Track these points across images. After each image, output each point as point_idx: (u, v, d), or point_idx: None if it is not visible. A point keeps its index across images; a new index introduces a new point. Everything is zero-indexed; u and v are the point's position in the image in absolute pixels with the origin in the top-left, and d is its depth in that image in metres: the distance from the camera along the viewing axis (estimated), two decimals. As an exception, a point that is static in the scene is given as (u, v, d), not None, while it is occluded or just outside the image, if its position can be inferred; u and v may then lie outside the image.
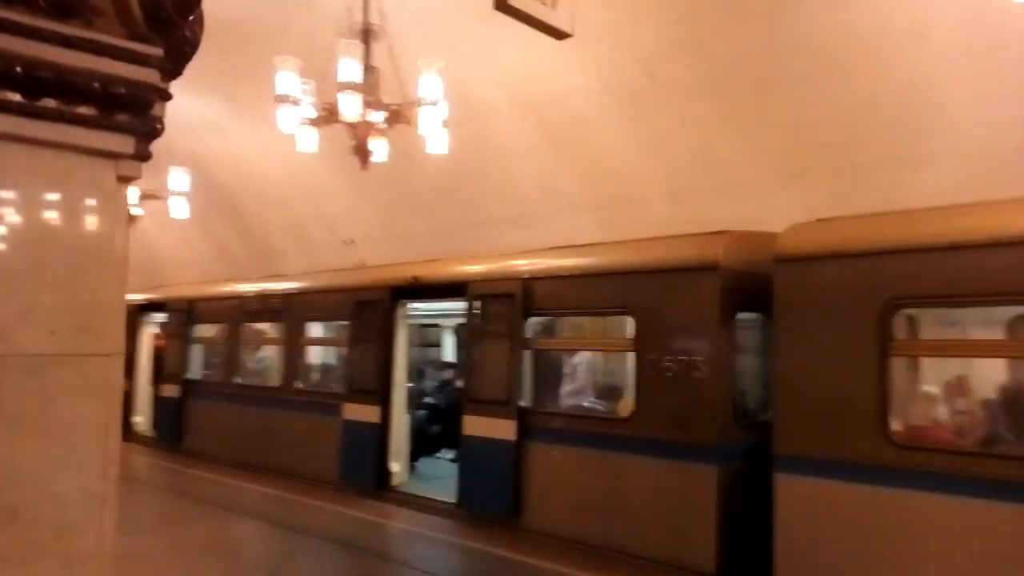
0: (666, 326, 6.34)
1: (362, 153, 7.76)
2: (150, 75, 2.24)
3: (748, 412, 6.68)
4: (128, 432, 13.18)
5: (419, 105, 7.35)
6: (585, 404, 7.42)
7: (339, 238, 14.21)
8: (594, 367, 7.84)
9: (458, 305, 9.21)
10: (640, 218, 9.82)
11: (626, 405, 6.72)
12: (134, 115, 2.26)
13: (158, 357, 13.02)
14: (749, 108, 8.28)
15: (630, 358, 6.57)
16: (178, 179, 11.95)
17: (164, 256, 19.32)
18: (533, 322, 7.43)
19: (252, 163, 14.41)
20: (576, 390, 7.64)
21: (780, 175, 8.41)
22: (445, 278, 8.18)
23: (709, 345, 6.08)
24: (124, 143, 2.27)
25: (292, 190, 14.61)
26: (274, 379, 10.58)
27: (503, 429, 7.16)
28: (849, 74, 7.32)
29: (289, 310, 10.12)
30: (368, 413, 8.61)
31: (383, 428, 8.51)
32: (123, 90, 2.16)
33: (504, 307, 7.33)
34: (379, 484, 8.54)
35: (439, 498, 8.03)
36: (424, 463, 10.11)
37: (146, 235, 19.86)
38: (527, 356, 7.33)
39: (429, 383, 11.58)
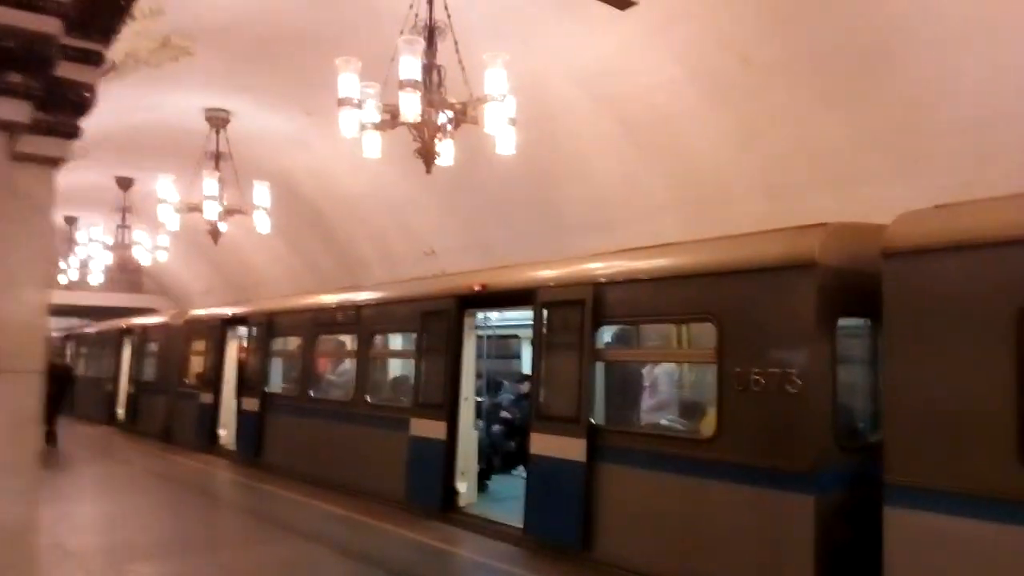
0: (754, 334, 5.54)
1: (427, 155, 7.34)
2: (48, 24, 1.77)
3: (852, 433, 5.77)
4: (213, 444, 13.25)
5: (485, 102, 6.87)
6: (662, 422, 6.66)
7: (420, 249, 13.94)
8: (672, 381, 7.07)
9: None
10: (732, 219, 8.95)
11: (708, 424, 5.93)
12: (28, 75, 1.80)
13: (241, 370, 13.05)
14: (857, 89, 7.33)
15: (712, 371, 5.79)
16: (260, 193, 11.93)
17: (258, 271, 19.70)
18: (605, 331, 6.75)
19: (335, 176, 14.37)
20: (652, 406, 6.89)
21: (895, 164, 7.40)
22: (512, 285, 7.61)
23: (804, 355, 5.24)
24: (16, 110, 1.81)
25: (374, 202, 14.48)
26: (346, 393, 10.28)
27: (572, 449, 6.50)
28: (982, 43, 6.30)
29: (359, 322, 9.81)
30: (434, 429, 8.13)
31: (449, 445, 8.01)
32: (11, 43, 1.70)
33: (573, 315, 6.69)
34: (445, 505, 8.02)
35: (506, 522, 7.43)
36: (498, 481, 9.54)
37: (240, 251, 20.37)
38: (598, 368, 6.64)
39: (505, 396, 11.01)
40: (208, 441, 13.33)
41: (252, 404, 11.98)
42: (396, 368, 10.59)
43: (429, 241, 13.79)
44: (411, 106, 6.76)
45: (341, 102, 6.99)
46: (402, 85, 6.61)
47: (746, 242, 5.89)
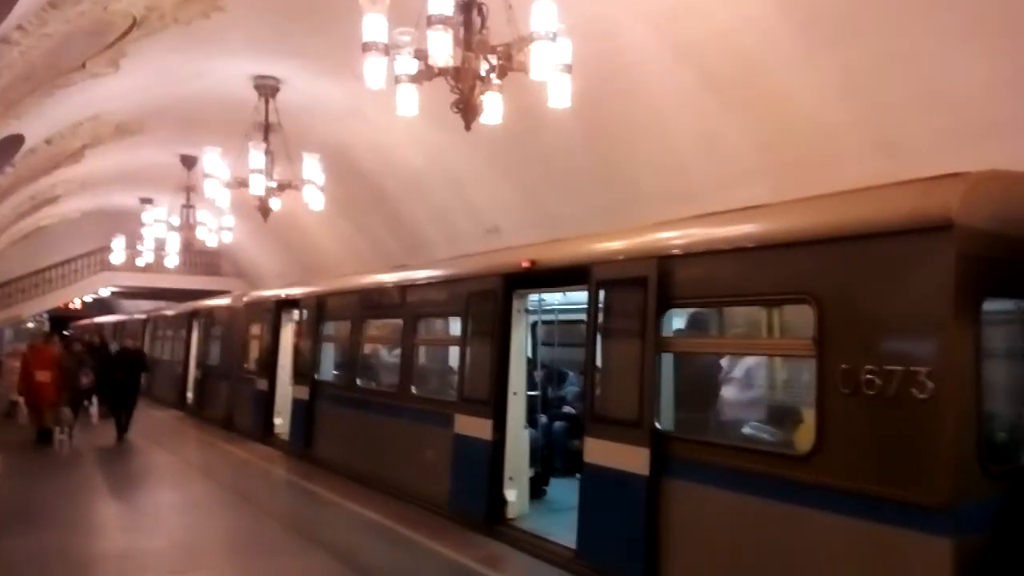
0: (866, 319, 4.21)
1: (467, 109, 6.24)
2: None
3: (1003, 452, 4.36)
4: (269, 434, 12.64)
5: (531, 42, 5.72)
6: (745, 431, 5.36)
7: (483, 226, 12.90)
8: (757, 378, 5.73)
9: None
10: (837, 183, 7.52)
11: (804, 435, 4.62)
12: None
13: (295, 356, 12.35)
14: (997, 14, 5.79)
15: (810, 366, 4.48)
16: (310, 166, 11.12)
17: (326, 252, 19.15)
18: (673, 315, 5.50)
19: (394, 149, 13.49)
20: (732, 410, 5.60)
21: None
22: (564, 261, 6.44)
23: (938, 348, 3.90)
24: None
25: (435, 176, 13.54)
26: (391, 382, 9.36)
27: (633, 459, 5.31)
28: None
29: (404, 305, 8.85)
30: (478, 427, 7.08)
31: (495, 447, 6.93)
32: None
33: (634, 296, 5.48)
34: (491, 515, 6.96)
35: (560, 541, 6.29)
36: (558, 487, 8.40)
37: (308, 232, 19.88)
38: (665, 361, 5.40)
39: (570, 389, 9.84)
40: (264, 430, 12.75)
41: (302, 392, 11.26)
42: (442, 357, 9.61)
43: (492, 217, 12.73)
44: (441, 47, 5.69)
45: (365, 47, 5.99)
46: (431, 22, 5.56)
47: (856, 200, 4.53)
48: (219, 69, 10.94)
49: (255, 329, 14.06)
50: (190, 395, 18.23)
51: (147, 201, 19.33)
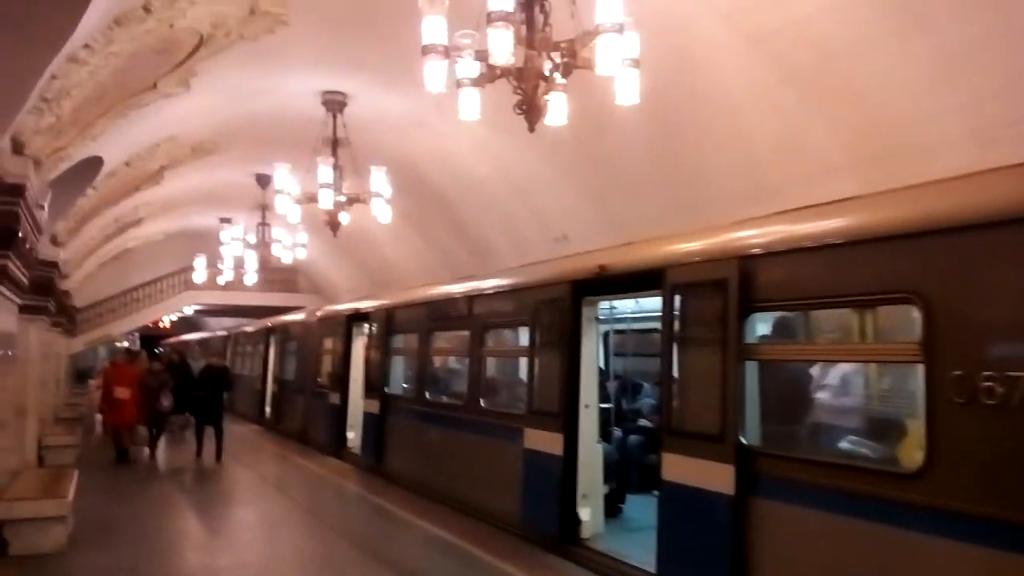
0: (985, 320, 3.72)
1: (530, 109, 5.98)
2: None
3: None
4: (341, 448, 12.61)
5: (596, 35, 5.44)
6: (842, 446, 4.87)
7: (551, 235, 12.61)
8: (854, 388, 5.21)
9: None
10: (928, 175, 6.94)
11: (911, 451, 4.13)
12: None
13: (366, 369, 12.30)
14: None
15: (917, 373, 3.99)
16: (377, 179, 11.08)
17: (396, 266, 19.20)
18: (757, 320, 5.07)
19: (458, 157, 13.35)
20: (826, 423, 5.10)
21: None
22: (636, 265, 6.08)
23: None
24: None
25: (500, 184, 13.32)
26: (460, 395, 9.13)
27: (716, 477, 4.89)
28: None
29: (471, 315, 8.62)
30: (549, 442, 6.75)
31: (567, 462, 6.59)
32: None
33: (713, 300, 5.08)
34: (564, 535, 6.61)
35: (637, 564, 5.89)
36: (635, 504, 7.99)
37: (379, 246, 19.99)
38: (749, 370, 4.98)
39: (645, 402, 9.42)
40: (336, 444, 12.72)
41: (373, 406, 11.17)
42: (511, 368, 9.32)
43: (560, 225, 12.42)
44: (503, 46, 5.44)
45: (425, 50, 5.80)
46: (491, 20, 5.32)
47: (964, 186, 4.04)
48: (287, 85, 11.02)
49: (327, 343, 14.12)
50: (268, 409, 18.50)
51: (226, 221, 19.81)
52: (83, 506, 8.20)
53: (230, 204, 18.00)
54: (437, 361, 10.53)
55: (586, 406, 6.67)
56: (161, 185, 14.98)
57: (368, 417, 11.36)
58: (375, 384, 11.21)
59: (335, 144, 11.46)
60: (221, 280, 21.59)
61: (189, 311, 31.87)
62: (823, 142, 7.90)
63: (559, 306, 6.83)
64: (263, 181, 16.32)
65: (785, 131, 8.12)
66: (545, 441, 6.82)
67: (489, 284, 8.52)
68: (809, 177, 8.00)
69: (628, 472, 8.04)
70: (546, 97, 6.13)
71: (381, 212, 11.11)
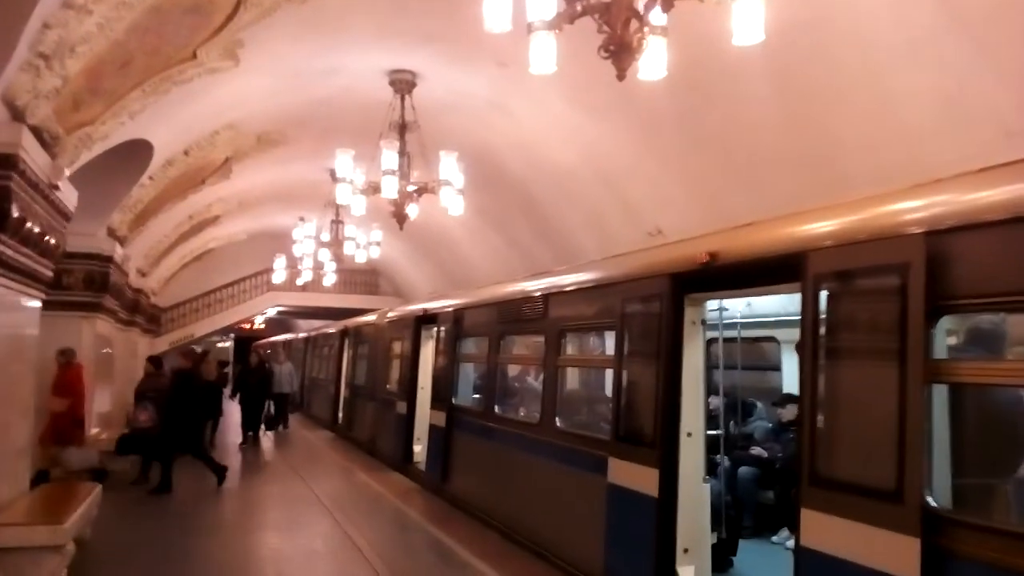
0: None
1: (619, 49, 4.70)
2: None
3: None
4: (408, 462, 11.45)
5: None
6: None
7: (644, 229, 11.11)
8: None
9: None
10: None
11: None
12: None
13: (434, 377, 11.10)
14: None
15: None
16: (448, 166, 9.89)
17: (476, 266, 18.06)
18: (951, 324, 3.49)
19: (542, 147, 12.04)
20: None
21: None
22: (761, 250, 4.55)
23: None
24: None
25: (586, 175, 11.93)
26: (532, 412, 7.78)
27: (889, 553, 3.34)
28: None
29: (546, 317, 7.23)
30: (641, 478, 5.29)
31: (663, 506, 5.10)
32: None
33: (884, 295, 3.53)
34: (660, 598, 5.13)
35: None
36: (748, 553, 6.42)
37: (459, 246, 18.89)
38: (940, 397, 3.40)
39: (759, 425, 7.81)
40: (403, 458, 11.58)
41: (439, 418, 9.94)
42: (593, 382, 7.90)
43: (654, 218, 10.92)
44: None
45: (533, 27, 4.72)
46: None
47: None
48: (351, 64, 9.96)
49: (396, 347, 13.04)
50: (340, 415, 17.66)
51: (304, 220, 19.23)
52: (104, 528, 7.29)
53: (306, 202, 17.26)
54: (508, 370, 9.22)
55: (688, 434, 5.16)
56: (231, 180, 14.29)
57: (434, 430, 10.14)
58: (442, 394, 9.98)
59: (403, 128, 10.33)
60: (300, 281, 21.08)
61: (272, 312, 31.77)
62: (996, 103, 6.18)
63: (655, 306, 5.36)
64: (336, 176, 15.50)
65: (950, 91, 6.41)
66: (635, 476, 5.36)
67: (567, 280, 7.11)
68: (979, 147, 6.24)
69: (741, 515, 6.47)
70: (640, 36, 4.74)
71: (452, 203, 9.91)
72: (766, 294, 5.26)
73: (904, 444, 3.32)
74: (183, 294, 25.16)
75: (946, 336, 3.47)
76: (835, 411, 3.77)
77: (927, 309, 3.32)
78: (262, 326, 42.55)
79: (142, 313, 18.09)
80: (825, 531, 3.71)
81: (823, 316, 3.86)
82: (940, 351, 3.41)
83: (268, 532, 7.90)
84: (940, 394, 3.41)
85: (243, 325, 37.17)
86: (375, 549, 6.92)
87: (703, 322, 5.31)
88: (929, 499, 3.28)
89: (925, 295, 3.32)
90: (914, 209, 3.54)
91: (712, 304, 5.53)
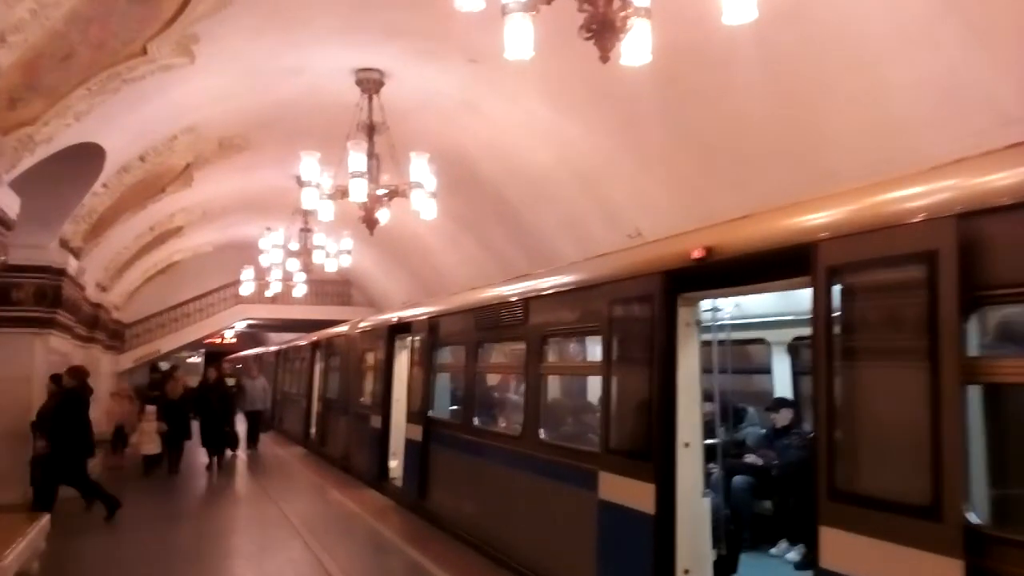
0: None
1: (602, 28, 4.44)
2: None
3: None
4: (383, 478, 10.95)
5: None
6: None
7: (624, 232, 10.75)
8: None
9: (797, 301, 5.14)
10: None
11: None
12: None
13: (408, 389, 10.61)
14: None
15: None
16: (418, 167, 9.45)
17: (450, 274, 17.61)
18: (988, 318, 3.13)
19: (517, 147, 11.66)
20: None
21: None
22: (764, 243, 4.17)
23: None
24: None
25: (563, 176, 11.57)
26: (514, 423, 7.35)
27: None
28: None
29: (526, 323, 6.81)
30: (635, 493, 4.88)
31: (660, 523, 4.70)
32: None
33: (908, 287, 3.17)
34: (659, 624, 4.71)
35: None
36: (749, 564, 6.03)
37: (432, 254, 18.43)
38: (975, 401, 3.03)
39: (751, 432, 7.45)
40: (378, 474, 11.07)
41: (415, 432, 9.46)
42: (579, 390, 7.49)
43: (634, 221, 10.56)
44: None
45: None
46: None
47: None
48: (315, 62, 9.50)
49: (369, 359, 12.53)
50: (313, 431, 17.07)
51: (271, 230, 18.64)
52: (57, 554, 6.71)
53: (273, 211, 16.68)
54: (487, 380, 8.78)
55: (686, 444, 4.76)
56: (193, 189, 13.69)
57: (410, 445, 9.67)
58: (417, 406, 9.51)
59: (371, 129, 9.87)
60: (269, 293, 20.45)
61: (241, 326, 31.01)
62: (996, 92, 5.92)
63: (645, 307, 4.96)
64: (301, 181, 14.96)
65: (944, 79, 6.13)
66: (629, 492, 4.95)
67: (549, 283, 6.70)
68: (979, 139, 5.98)
69: (741, 529, 6.09)
70: (624, 16, 4.42)
71: (424, 206, 9.47)
72: (770, 291, 4.88)
73: (940, 453, 2.95)
74: (148, 309, 24.37)
75: (985, 330, 3.10)
76: (857, 417, 3.39)
77: (961, 301, 2.96)
78: (233, 340, 41.64)
79: (103, 329, 17.36)
80: (849, 552, 3.32)
81: (838, 312, 3.49)
82: (974, 348, 3.05)
83: (234, 560, 7.35)
84: (976, 396, 3.04)
85: (213, 340, 36.30)
86: (334, 564, 6.42)
87: (698, 323, 4.93)
88: (971, 515, 2.91)
89: (959, 285, 2.96)
90: (942, 190, 3.18)
91: (706, 304, 5.14)
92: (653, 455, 4.78)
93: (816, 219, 3.78)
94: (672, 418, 4.74)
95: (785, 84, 7.16)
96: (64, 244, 11.00)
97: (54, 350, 11.22)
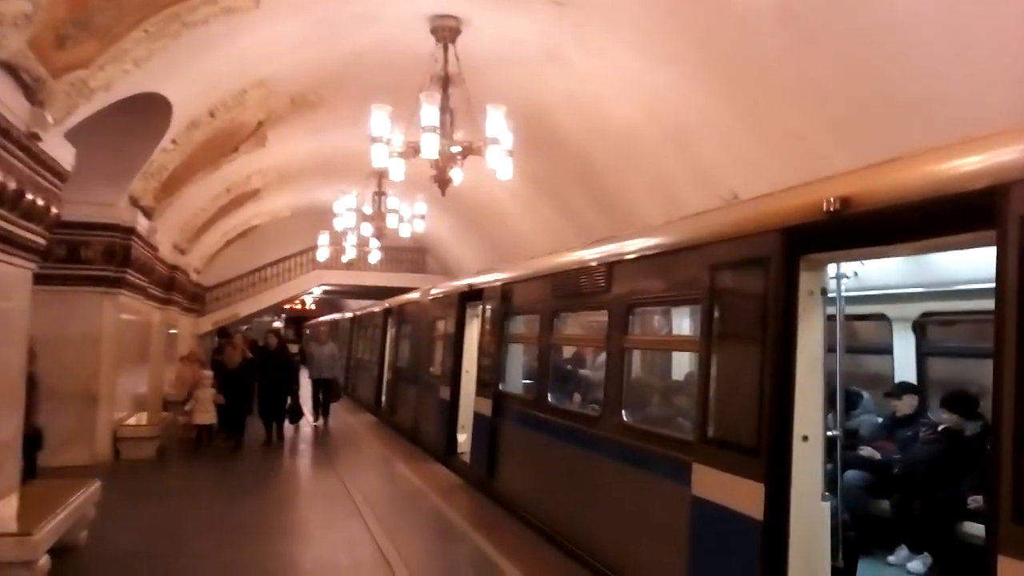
0: None
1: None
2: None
3: None
4: (452, 453, 10.43)
5: None
6: None
7: (717, 194, 9.79)
8: None
9: (929, 269, 4.21)
10: None
11: None
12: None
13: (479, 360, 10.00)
14: None
15: None
16: (494, 122, 8.77)
17: (526, 241, 16.91)
18: None
19: (602, 102, 10.82)
20: None
21: None
22: (928, 189, 3.28)
23: None
24: None
25: (652, 133, 10.69)
26: (593, 402, 6.62)
27: None
28: None
29: (609, 291, 6.03)
30: (737, 492, 4.09)
31: (771, 530, 3.90)
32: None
33: None
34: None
35: None
36: (866, 574, 5.17)
37: (508, 220, 17.76)
38: None
39: (866, 420, 6.50)
40: (446, 448, 10.56)
41: (484, 406, 8.87)
42: (671, 368, 6.67)
43: (730, 182, 9.60)
44: None
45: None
46: None
47: None
48: (389, 10, 8.89)
49: (439, 327, 12.00)
50: (383, 399, 16.76)
51: (345, 192, 18.32)
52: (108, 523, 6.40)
53: (347, 175, 16.31)
54: (563, 353, 8.07)
55: (804, 438, 3.94)
56: (268, 149, 13.36)
57: (479, 420, 9.08)
58: (487, 379, 8.89)
59: (446, 81, 9.19)
60: (345, 259, 20.22)
61: (318, 291, 31.18)
62: None
63: (757, 271, 4.12)
64: (372, 137, 14.49)
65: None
66: (730, 491, 4.16)
67: (637, 246, 5.88)
68: None
69: (860, 535, 5.22)
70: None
71: (500, 165, 8.79)
72: (933, 250, 3.96)
73: None
74: (228, 273, 24.62)
75: None
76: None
77: None
78: (312, 306, 42.21)
79: (180, 291, 17.42)
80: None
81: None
82: None
83: (288, 540, 6.86)
84: None
85: (293, 305, 36.76)
86: (407, 565, 5.85)
87: (823, 292, 4.06)
88: None
89: None
90: None
91: (832, 267, 4.26)
92: (763, 449, 3.97)
93: (1007, 155, 2.88)
94: (788, 406, 3.92)
95: (939, 21, 6.04)
96: (134, 202, 10.78)
97: (126, 309, 11.08)
